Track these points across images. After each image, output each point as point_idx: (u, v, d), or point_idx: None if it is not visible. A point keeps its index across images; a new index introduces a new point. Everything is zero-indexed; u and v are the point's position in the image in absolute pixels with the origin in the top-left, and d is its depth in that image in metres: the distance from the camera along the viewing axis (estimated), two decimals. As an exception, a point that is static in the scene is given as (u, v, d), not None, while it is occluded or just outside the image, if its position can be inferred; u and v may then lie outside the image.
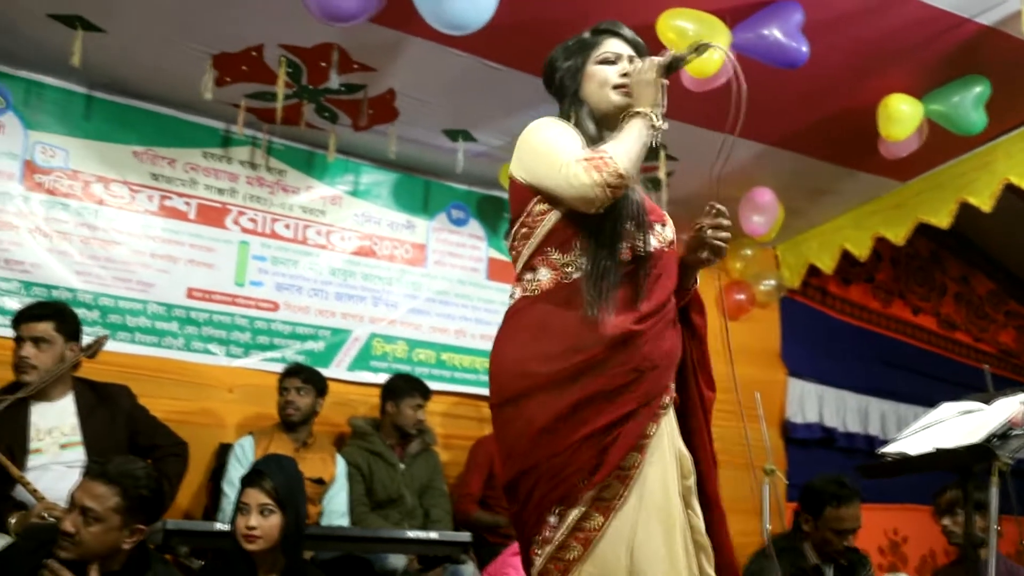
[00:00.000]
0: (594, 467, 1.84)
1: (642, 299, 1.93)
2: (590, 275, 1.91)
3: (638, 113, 1.97)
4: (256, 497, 2.72)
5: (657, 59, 2.01)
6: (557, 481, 1.84)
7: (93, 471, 2.52)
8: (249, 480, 2.78)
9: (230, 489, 3.84)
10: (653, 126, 1.96)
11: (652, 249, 1.97)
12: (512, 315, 1.99)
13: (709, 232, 2.03)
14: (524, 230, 1.99)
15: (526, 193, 1.98)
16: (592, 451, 1.84)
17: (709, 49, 2.04)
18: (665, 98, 2.00)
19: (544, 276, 1.95)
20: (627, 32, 2.16)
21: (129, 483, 2.49)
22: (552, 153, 1.92)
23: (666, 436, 1.93)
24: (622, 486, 1.84)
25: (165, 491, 3.31)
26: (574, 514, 1.84)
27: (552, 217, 1.95)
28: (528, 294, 1.96)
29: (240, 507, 2.74)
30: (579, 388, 1.85)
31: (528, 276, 1.98)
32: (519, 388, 1.89)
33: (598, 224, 1.93)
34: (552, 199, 1.94)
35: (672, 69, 2.02)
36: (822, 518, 3.52)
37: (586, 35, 2.15)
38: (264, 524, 2.69)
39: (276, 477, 2.76)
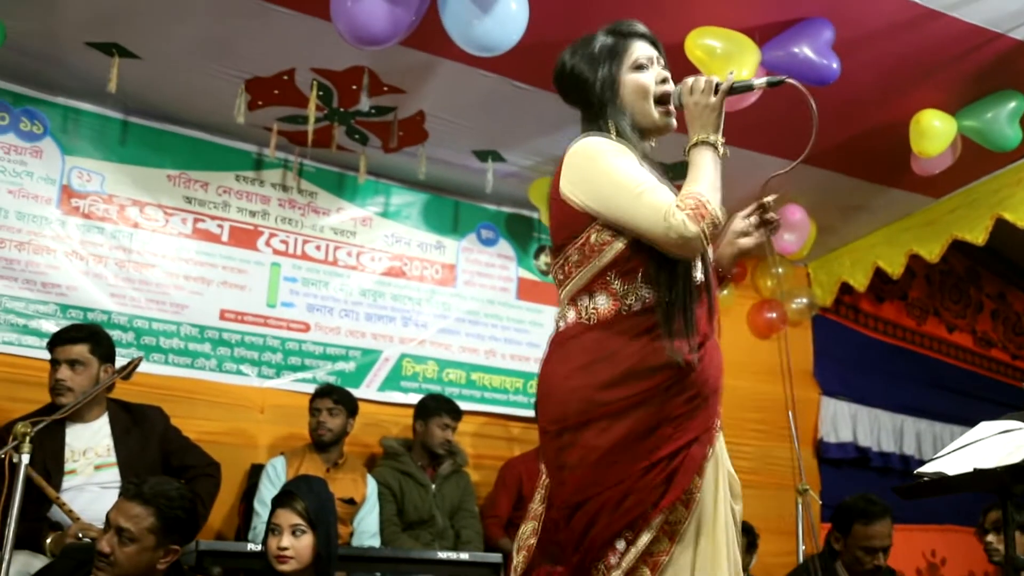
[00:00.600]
0: (661, 493, 1.82)
1: (699, 325, 1.91)
2: (668, 306, 1.87)
3: (707, 143, 1.91)
4: (288, 518, 2.72)
5: (717, 80, 1.93)
6: (626, 508, 1.82)
7: (129, 491, 2.54)
8: (280, 501, 2.78)
9: (262, 509, 3.85)
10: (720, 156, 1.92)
11: (708, 275, 1.97)
12: (566, 340, 1.90)
13: (767, 214, 2.07)
14: (577, 256, 1.90)
15: (581, 218, 1.89)
16: (660, 477, 1.83)
17: (784, 83, 1.98)
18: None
19: (602, 304, 1.88)
20: (649, 31, 2.11)
21: (164, 504, 2.51)
22: (634, 187, 1.83)
23: (718, 457, 1.93)
24: (687, 511, 1.84)
25: (199, 512, 3.34)
26: (644, 539, 1.82)
27: (617, 246, 1.87)
28: (584, 320, 1.89)
29: (271, 528, 2.74)
30: (644, 416, 1.83)
31: (584, 302, 1.90)
32: (581, 416, 1.83)
33: (670, 257, 1.89)
34: (623, 230, 1.86)
35: (734, 93, 1.94)
36: (851, 536, 3.49)
37: (607, 39, 2.06)
38: (296, 544, 2.69)
39: (307, 497, 2.76)
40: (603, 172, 1.87)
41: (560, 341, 1.92)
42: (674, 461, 1.83)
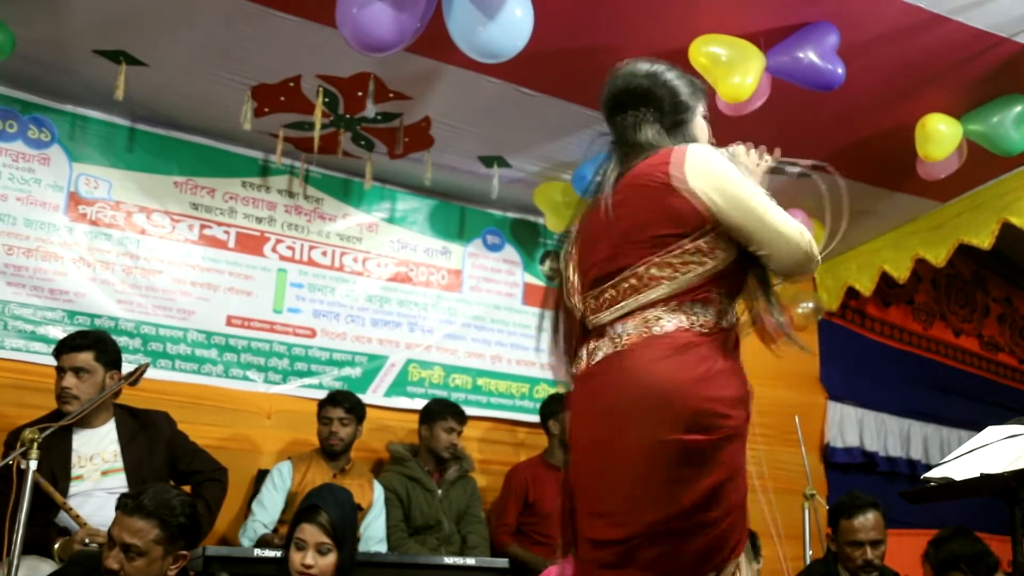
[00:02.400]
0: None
1: None
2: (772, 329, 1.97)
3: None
4: (315, 535, 2.68)
5: (768, 158, 2.07)
6: (741, 533, 1.84)
7: (128, 506, 2.50)
8: (306, 515, 2.72)
9: (259, 510, 3.87)
10: None
11: None
12: (685, 347, 1.82)
13: None
14: (694, 256, 1.86)
15: (701, 218, 1.86)
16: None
17: (816, 173, 2.13)
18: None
19: (709, 315, 1.87)
20: None
21: (166, 513, 2.49)
22: (778, 211, 1.90)
23: None
24: None
25: (201, 514, 3.35)
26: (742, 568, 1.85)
27: (727, 256, 1.88)
28: (696, 329, 1.85)
29: (296, 543, 2.69)
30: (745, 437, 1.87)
31: (696, 309, 1.86)
32: (712, 431, 1.78)
33: (763, 277, 1.95)
34: (743, 242, 1.89)
35: (773, 172, 2.08)
36: (839, 532, 3.53)
37: (698, 82, 2.15)
38: (321, 562, 2.67)
39: (333, 512, 2.71)
40: (744, 182, 1.90)
41: (676, 346, 1.82)
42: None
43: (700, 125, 2.11)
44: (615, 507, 1.80)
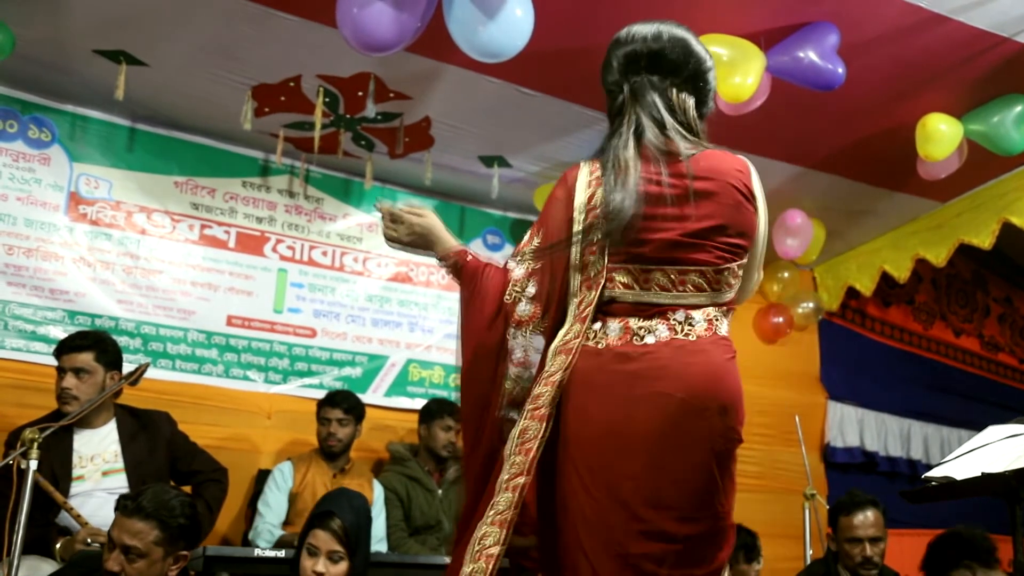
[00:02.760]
0: None
1: None
2: None
3: None
4: (328, 542, 2.63)
5: None
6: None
7: (127, 508, 2.48)
8: (320, 520, 2.67)
9: (265, 510, 3.87)
10: None
11: None
12: (734, 354, 1.89)
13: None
14: (734, 271, 1.90)
15: (755, 236, 1.96)
16: None
17: None
18: None
19: (725, 327, 1.91)
20: None
21: (165, 514, 2.49)
22: None
23: None
24: None
25: (201, 514, 3.35)
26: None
27: (737, 278, 1.94)
28: (728, 336, 1.90)
29: (308, 548, 2.65)
30: None
31: (728, 318, 1.91)
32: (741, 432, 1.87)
33: None
34: (748, 271, 1.97)
35: None
36: (839, 530, 3.56)
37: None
38: (332, 570, 2.62)
39: (348, 519, 2.66)
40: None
41: (732, 351, 1.88)
42: None
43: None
44: (683, 502, 1.74)
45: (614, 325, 1.84)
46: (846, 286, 5.73)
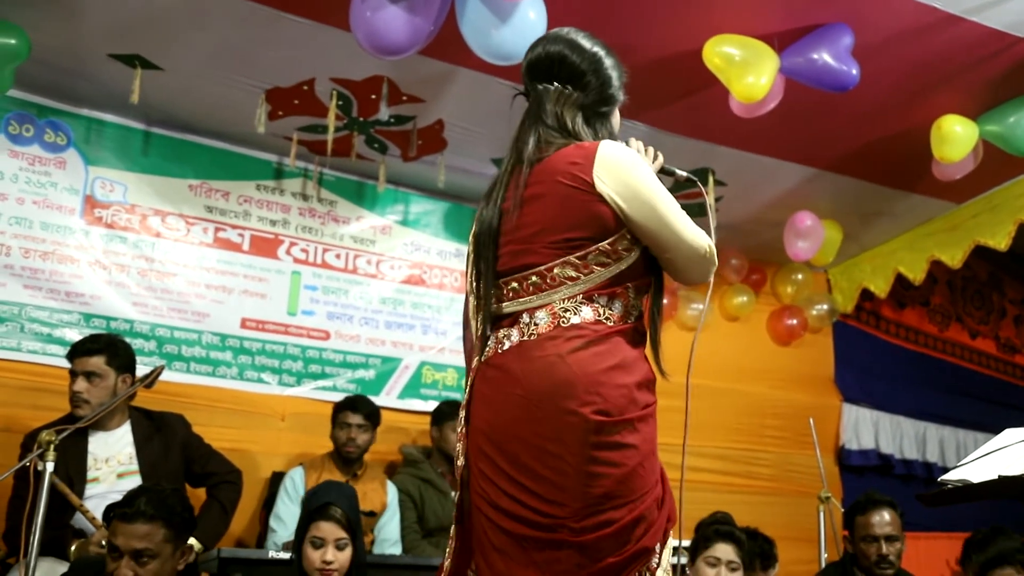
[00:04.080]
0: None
1: None
2: (655, 330, 1.99)
3: None
4: (332, 532, 2.69)
5: (660, 157, 2.10)
6: (668, 511, 1.89)
7: (126, 515, 2.49)
8: (321, 513, 2.73)
9: (278, 524, 3.85)
10: None
11: None
12: (597, 338, 1.87)
13: None
14: (603, 258, 1.89)
15: (613, 221, 1.90)
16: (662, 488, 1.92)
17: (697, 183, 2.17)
18: None
19: (616, 309, 1.91)
20: None
21: (166, 512, 2.51)
22: (685, 218, 1.93)
23: None
24: None
25: (217, 515, 3.37)
26: (670, 545, 1.88)
27: (634, 256, 1.92)
28: (603, 321, 1.89)
29: (312, 541, 2.70)
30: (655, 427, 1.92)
31: (602, 301, 1.90)
32: (624, 411, 1.84)
33: (659, 279, 2.00)
34: (650, 244, 1.93)
35: (662, 173, 2.10)
36: (855, 530, 3.56)
37: (625, 75, 2.13)
38: (340, 557, 2.68)
39: (346, 506, 2.73)
40: (655, 186, 1.92)
41: (590, 337, 1.86)
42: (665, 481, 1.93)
43: (617, 118, 2.12)
44: (543, 489, 1.80)
45: (491, 339, 1.96)
46: (861, 288, 5.70)
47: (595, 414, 1.79)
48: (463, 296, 5.26)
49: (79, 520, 3.13)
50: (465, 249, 5.50)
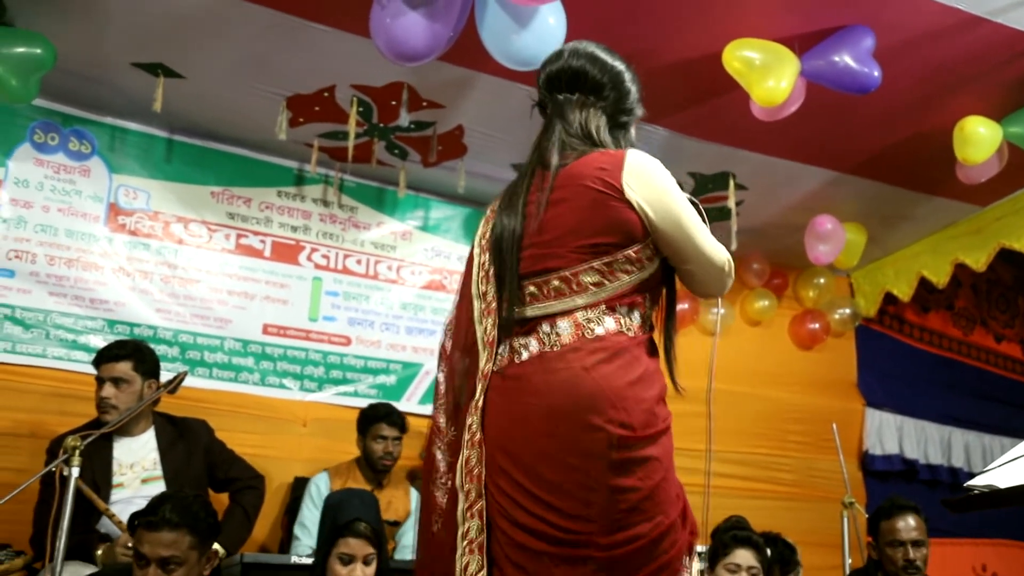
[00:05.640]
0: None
1: None
2: (669, 345, 2.00)
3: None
4: (362, 548, 2.70)
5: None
6: (691, 525, 1.88)
7: (152, 523, 2.49)
8: (349, 529, 2.73)
9: (302, 532, 3.84)
10: None
11: None
12: (620, 350, 1.85)
13: None
14: (628, 265, 1.88)
15: (640, 228, 1.89)
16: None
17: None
18: None
19: (635, 320, 1.90)
20: None
21: (190, 519, 2.52)
22: (707, 231, 1.95)
23: None
24: None
25: (239, 521, 3.38)
26: (695, 558, 1.87)
27: (653, 266, 1.92)
28: (624, 331, 1.87)
29: (341, 557, 2.71)
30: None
31: (623, 311, 1.89)
32: (647, 427, 1.82)
33: (671, 292, 2.01)
34: (669, 255, 1.94)
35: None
36: (880, 536, 3.54)
37: (641, 91, 2.14)
38: (368, 572, 2.70)
39: (371, 519, 2.74)
40: (680, 198, 1.93)
41: (614, 349, 1.85)
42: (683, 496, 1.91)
43: (633, 132, 2.13)
44: (567, 504, 1.77)
45: (504, 347, 1.91)
46: (884, 292, 5.66)
47: (620, 429, 1.77)
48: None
49: (105, 524, 3.16)
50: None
